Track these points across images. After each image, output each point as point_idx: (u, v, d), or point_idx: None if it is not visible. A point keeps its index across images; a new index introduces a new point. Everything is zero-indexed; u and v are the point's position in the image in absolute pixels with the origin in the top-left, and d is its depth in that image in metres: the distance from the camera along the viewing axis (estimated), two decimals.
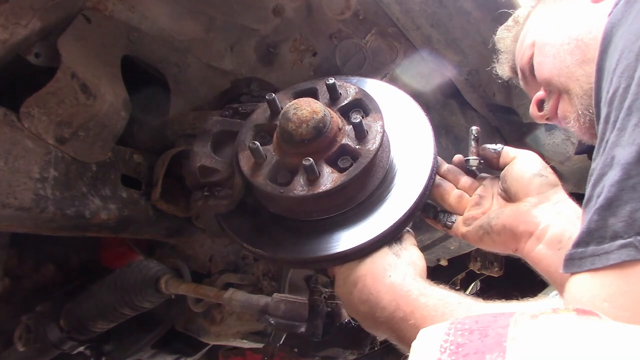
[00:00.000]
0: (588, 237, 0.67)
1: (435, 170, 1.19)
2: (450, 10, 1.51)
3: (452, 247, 1.99)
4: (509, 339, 0.54)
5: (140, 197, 1.44)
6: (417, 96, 1.44)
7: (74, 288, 1.78)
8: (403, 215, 1.11)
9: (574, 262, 0.69)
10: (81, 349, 1.64)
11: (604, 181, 0.67)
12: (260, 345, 1.76)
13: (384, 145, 1.16)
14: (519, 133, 1.84)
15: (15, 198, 1.11)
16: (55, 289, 1.81)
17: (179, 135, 1.52)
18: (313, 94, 1.26)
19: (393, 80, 1.68)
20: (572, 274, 0.70)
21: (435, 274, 2.30)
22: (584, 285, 0.68)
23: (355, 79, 1.38)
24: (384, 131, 1.14)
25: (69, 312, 1.58)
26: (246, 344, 1.81)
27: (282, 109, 1.22)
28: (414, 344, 0.65)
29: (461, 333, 0.59)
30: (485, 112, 1.78)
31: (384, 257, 1.07)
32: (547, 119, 1.31)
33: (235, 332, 1.74)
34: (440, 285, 0.96)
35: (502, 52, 1.44)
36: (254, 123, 1.24)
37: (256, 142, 1.15)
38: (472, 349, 0.56)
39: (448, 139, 1.73)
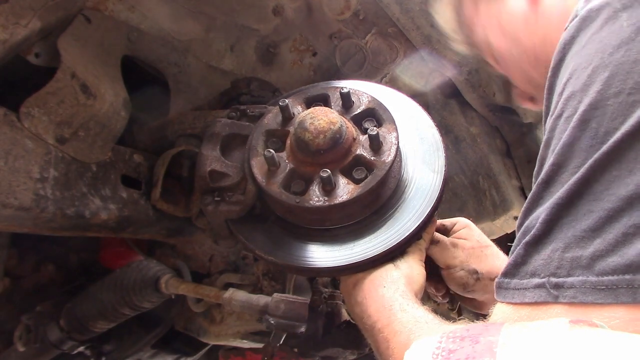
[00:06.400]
0: (514, 270, 0.69)
1: (445, 185, 1.19)
2: None
3: None
4: (499, 345, 0.55)
5: (140, 197, 1.44)
6: (417, 96, 1.44)
7: (74, 288, 1.78)
8: (410, 233, 1.11)
9: (500, 291, 0.71)
10: (81, 349, 1.64)
11: (537, 214, 0.68)
12: (260, 345, 1.76)
13: (397, 155, 1.16)
14: (519, 133, 1.84)
15: (15, 198, 1.11)
16: (55, 289, 1.81)
17: (179, 135, 1.52)
18: (325, 100, 1.26)
19: (393, 80, 1.68)
20: (498, 301, 0.72)
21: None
22: (504, 314, 0.70)
23: (362, 83, 1.37)
24: (398, 143, 1.14)
25: (69, 312, 1.58)
26: (246, 344, 1.81)
27: (293, 114, 1.22)
28: (406, 353, 0.66)
29: (452, 340, 0.60)
30: (485, 112, 1.78)
31: (385, 266, 1.10)
32: (531, 99, 1.27)
33: (235, 332, 1.74)
34: (425, 306, 0.96)
35: (445, 30, 1.35)
36: (265, 128, 1.23)
37: (271, 150, 1.14)
38: (463, 354, 0.57)
39: (448, 139, 1.73)
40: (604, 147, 0.62)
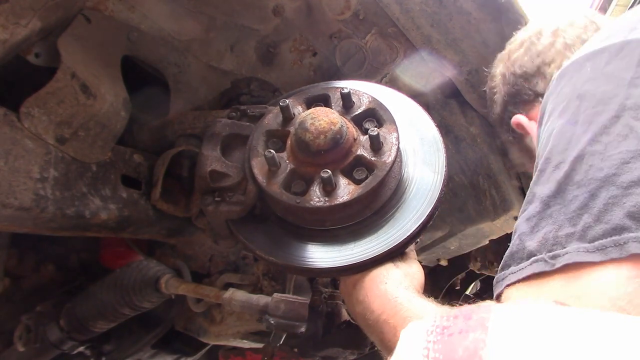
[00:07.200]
0: (510, 260, 0.77)
1: (446, 185, 1.19)
2: (450, 10, 1.51)
3: (452, 247, 1.99)
4: (491, 320, 0.60)
5: (140, 197, 1.44)
6: (417, 96, 1.44)
7: (74, 288, 1.78)
8: (410, 234, 1.11)
9: (497, 285, 0.78)
10: (81, 349, 1.64)
11: (526, 213, 0.78)
12: (260, 345, 1.76)
13: (397, 156, 1.16)
14: None
15: (15, 198, 1.11)
16: (55, 289, 1.81)
17: (179, 135, 1.52)
18: (325, 100, 1.26)
19: (393, 80, 1.68)
20: (498, 295, 0.78)
21: (435, 274, 2.31)
22: (508, 298, 0.75)
23: (362, 83, 1.37)
24: (399, 143, 1.14)
25: (69, 312, 1.58)
26: (246, 344, 1.82)
27: (294, 115, 1.22)
28: (402, 332, 0.70)
29: (446, 318, 0.65)
30: (485, 112, 1.77)
31: (385, 265, 1.11)
32: None
33: (235, 332, 1.74)
34: (430, 298, 0.99)
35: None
36: (265, 128, 1.23)
37: (271, 150, 1.14)
38: (457, 329, 0.62)
39: (448, 139, 1.73)
40: (579, 145, 0.75)
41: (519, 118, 1.27)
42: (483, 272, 2.30)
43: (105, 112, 1.33)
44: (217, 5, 1.52)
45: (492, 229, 1.83)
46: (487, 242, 1.91)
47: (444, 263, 2.17)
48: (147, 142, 1.57)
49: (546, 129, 0.86)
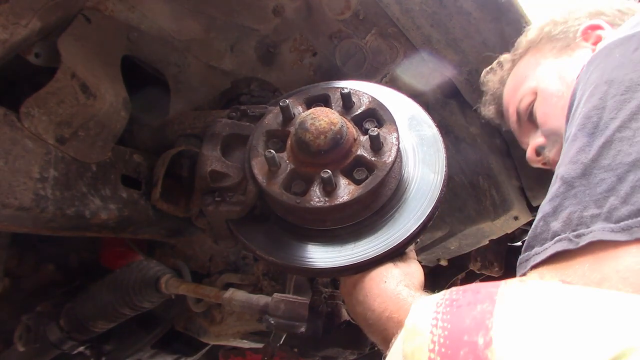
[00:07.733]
0: (533, 241, 0.77)
1: (446, 186, 1.19)
2: (450, 10, 1.51)
3: (452, 247, 1.99)
4: (498, 294, 0.62)
5: (140, 197, 1.44)
6: (417, 96, 1.44)
7: (74, 288, 1.78)
8: (410, 234, 1.11)
9: (521, 265, 0.78)
10: (81, 349, 1.64)
11: (550, 194, 0.80)
12: (260, 345, 1.76)
13: (397, 156, 1.16)
14: None
15: (15, 198, 1.11)
16: (55, 289, 1.81)
17: (179, 135, 1.52)
18: (325, 100, 1.26)
19: (393, 80, 1.68)
20: (521, 276, 0.78)
21: (435, 274, 2.31)
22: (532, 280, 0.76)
23: (362, 83, 1.37)
24: (399, 143, 1.14)
25: (69, 312, 1.58)
26: (246, 344, 1.82)
27: (294, 115, 1.22)
28: (412, 307, 0.72)
29: (456, 292, 0.68)
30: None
31: (384, 265, 1.11)
32: (544, 163, 1.42)
33: (235, 332, 1.74)
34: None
35: (486, 93, 1.55)
36: (265, 128, 1.23)
37: (272, 150, 1.14)
38: (465, 301, 0.64)
39: (448, 139, 1.73)
40: (607, 132, 0.75)
41: (598, 22, 1.26)
42: (483, 272, 2.30)
43: (105, 112, 1.33)
44: (217, 5, 1.52)
45: (492, 229, 1.83)
46: (487, 242, 1.91)
47: (444, 263, 2.17)
48: (147, 142, 1.57)
49: (575, 115, 0.86)
